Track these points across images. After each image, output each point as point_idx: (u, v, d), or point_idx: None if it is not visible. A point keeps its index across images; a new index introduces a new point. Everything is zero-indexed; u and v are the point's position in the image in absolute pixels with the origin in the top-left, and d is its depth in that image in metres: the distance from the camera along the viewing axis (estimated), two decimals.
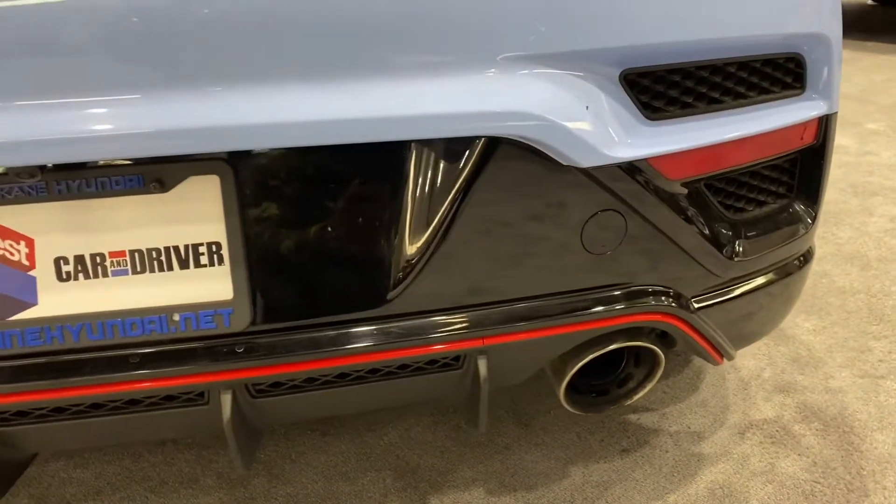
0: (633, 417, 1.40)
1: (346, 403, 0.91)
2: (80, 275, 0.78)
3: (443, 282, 0.83)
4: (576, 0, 0.76)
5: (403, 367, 0.88)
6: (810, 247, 1.12)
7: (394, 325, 0.83)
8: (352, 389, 0.88)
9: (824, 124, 1.01)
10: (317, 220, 0.80)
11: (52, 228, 0.77)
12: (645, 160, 0.83)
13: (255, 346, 0.81)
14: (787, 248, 1.04)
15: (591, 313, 0.88)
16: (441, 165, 0.79)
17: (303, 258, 0.80)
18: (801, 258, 1.09)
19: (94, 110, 0.70)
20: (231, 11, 0.70)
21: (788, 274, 1.07)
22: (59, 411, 0.84)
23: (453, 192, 0.80)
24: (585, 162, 0.79)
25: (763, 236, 1.00)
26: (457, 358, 0.88)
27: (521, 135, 0.76)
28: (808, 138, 1.00)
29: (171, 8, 0.69)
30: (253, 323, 0.80)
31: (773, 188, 1.01)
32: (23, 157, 0.70)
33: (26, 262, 0.77)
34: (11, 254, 0.77)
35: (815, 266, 1.98)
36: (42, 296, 0.78)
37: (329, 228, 0.80)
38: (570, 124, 0.77)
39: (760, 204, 1.01)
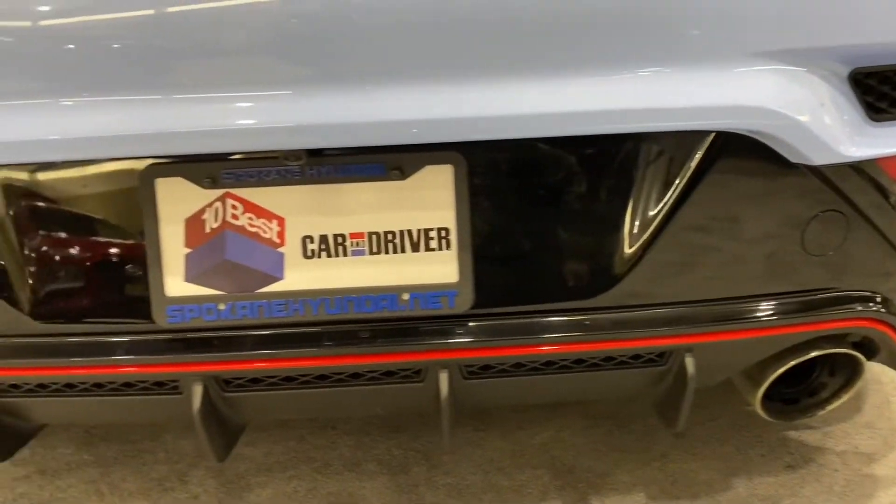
0: (793, 434, 1.38)
1: (548, 392, 0.94)
2: (323, 253, 0.84)
3: (659, 277, 0.85)
4: None
5: (608, 359, 0.90)
6: None
7: (607, 317, 0.86)
8: (556, 378, 0.91)
9: None
10: (541, 212, 0.84)
11: (301, 209, 0.83)
12: (873, 161, 0.83)
13: (475, 328, 0.85)
14: None
15: (803, 316, 0.88)
16: (669, 159, 0.81)
17: (526, 247, 0.84)
18: None
19: (354, 101, 0.76)
20: (479, 6, 0.74)
21: None
22: (287, 380, 0.90)
23: (678, 187, 0.82)
24: (818, 159, 0.80)
25: None
26: (661, 354, 0.90)
27: (757, 130, 0.78)
28: None
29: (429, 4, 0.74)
30: (475, 306, 0.84)
31: None
32: (294, 140, 0.77)
33: (277, 240, 0.84)
34: (264, 232, 0.83)
35: None
36: (288, 271, 0.84)
37: (552, 220, 0.84)
38: (805, 120, 0.78)
39: None
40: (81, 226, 0.84)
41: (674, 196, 0.82)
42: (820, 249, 0.86)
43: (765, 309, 0.88)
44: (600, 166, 0.82)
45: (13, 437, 0.98)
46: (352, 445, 1.42)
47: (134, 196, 0.82)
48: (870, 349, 0.98)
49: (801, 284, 0.88)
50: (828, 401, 1.02)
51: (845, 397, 1.01)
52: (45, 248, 0.85)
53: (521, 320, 0.85)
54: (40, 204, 0.84)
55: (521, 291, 0.85)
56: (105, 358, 0.85)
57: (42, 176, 0.83)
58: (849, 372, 1.00)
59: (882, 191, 0.85)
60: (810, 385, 1.04)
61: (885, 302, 0.92)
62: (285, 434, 1.45)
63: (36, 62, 0.76)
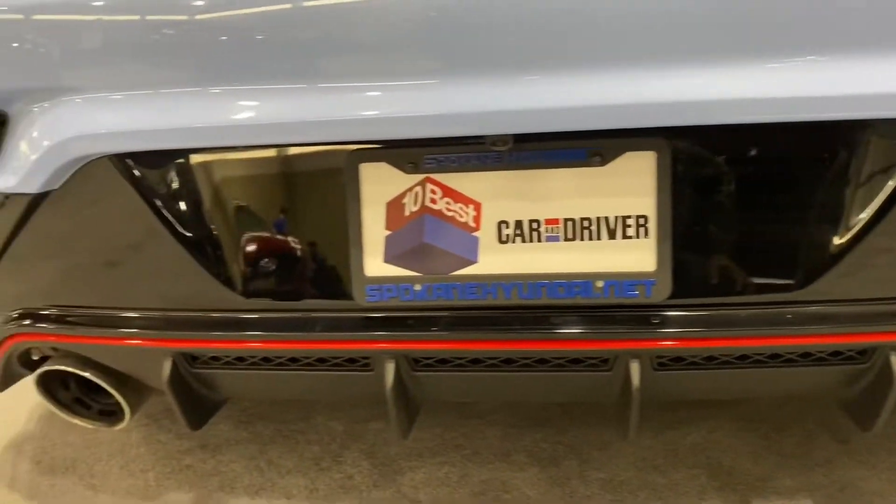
0: None
1: (737, 386, 0.92)
2: (518, 238, 0.85)
3: (870, 270, 0.82)
4: None
5: (805, 355, 0.87)
6: None
7: (810, 310, 0.83)
8: (748, 372, 0.89)
9: None
10: (746, 201, 0.82)
11: (498, 195, 0.84)
12: None
13: (671, 319, 0.84)
14: None
15: None
16: (891, 147, 0.78)
17: (728, 238, 0.83)
18: None
19: (560, 85, 0.77)
20: None
21: None
22: (474, 363, 0.91)
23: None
24: None
25: None
26: (863, 351, 0.86)
27: None
28: None
29: None
30: (672, 296, 0.83)
31: None
32: (499, 125, 0.78)
33: (473, 225, 0.85)
34: (461, 216, 0.85)
35: None
36: (482, 255, 0.85)
37: (757, 210, 0.82)
38: None
39: None
40: (287, 207, 0.88)
41: (892, 187, 0.78)
42: None
43: None
44: (813, 154, 0.79)
45: (205, 409, 1.04)
46: (499, 436, 1.43)
47: (338, 180, 0.86)
48: None
49: None
50: None
51: None
52: (252, 229, 0.89)
53: (719, 312, 0.84)
54: (251, 186, 0.88)
55: (720, 283, 0.84)
56: (305, 333, 0.89)
57: (254, 160, 0.88)
58: None
59: None
60: None
61: None
62: (431, 421, 1.48)
63: (260, 49, 0.80)
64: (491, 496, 1.27)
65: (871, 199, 0.79)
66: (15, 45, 0.85)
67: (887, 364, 0.85)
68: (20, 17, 0.84)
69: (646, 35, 0.75)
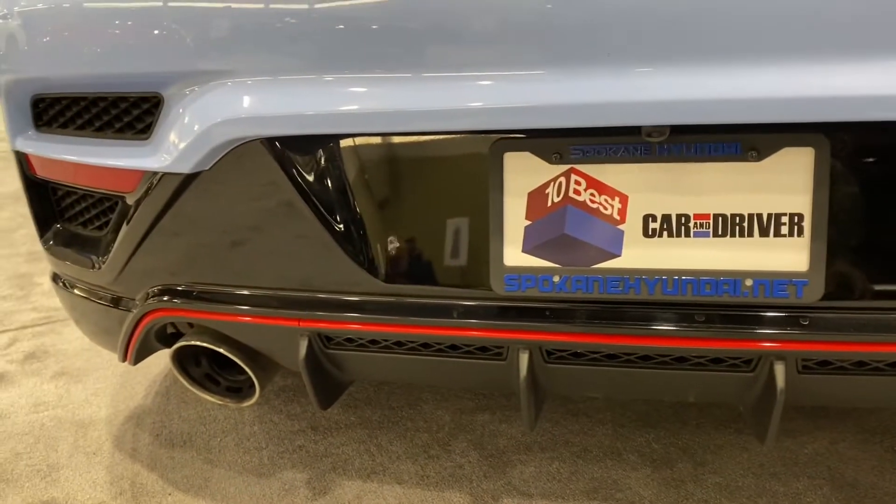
0: None
1: (883, 395, 0.88)
2: (665, 233, 0.83)
3: None
4: None
5: None
6: None
7: None
8: (876, 381, 0.85)
9: None
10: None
11: (646, 187, 0.83)
12: None
13: (822, 321, 0.81)
14: None
15: None
16: None
17: (886, 240, 0.79)
18: None
19: (717, 77, 0.75)
20: None
21: None
22: (610, 357, 0.90)
23: None
24: None
25: None
26: None
27: None
28: None
29: None
30: (825, 297, 0.80)
31: None
32: (653, 116, 0.77)
33: (617, 217, 0.84)
34: (605, 208, 0.84)
35: None
36: (626, 249, 0.84)
37: None
38: None
39: None
40: (429, 194, 0.89)
41: None
42: None
43: None
44: None
45: (335, 389, 1.07)
46: (609, 434, 1.41)
47: (481, 168, 0.86)
48: None
49: None
50: None
51: None
52: (394, 214, 0.91)
53: (873, 316, 0.80)
54: (394, 172, 0.90)
55: (875, 287, 0.80)
56: (442, 320, 0.90)
57: (399, 145, 0.89)
58: None
59: None
60: None
61: None
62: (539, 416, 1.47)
63: (408, 38, 0.81)
64: (603, 494, 1.25)
65: None
66: (168, 30, 0.89)
67: None
68: (175, 3, 0.88)
69: (805, 28, 0.73)
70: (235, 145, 0.90)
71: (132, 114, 1.00)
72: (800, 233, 0.80)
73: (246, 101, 0.87)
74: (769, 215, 0.81)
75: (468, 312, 0.89)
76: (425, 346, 0.96)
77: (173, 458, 1.44)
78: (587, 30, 0.76)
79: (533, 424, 0.96)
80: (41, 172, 1.17)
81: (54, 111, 1.09)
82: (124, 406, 1.64)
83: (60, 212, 1.22)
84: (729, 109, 0.75)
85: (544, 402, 1.01)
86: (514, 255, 0.87)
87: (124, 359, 1.16)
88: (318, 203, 0.91)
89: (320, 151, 0.90)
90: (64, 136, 1.09)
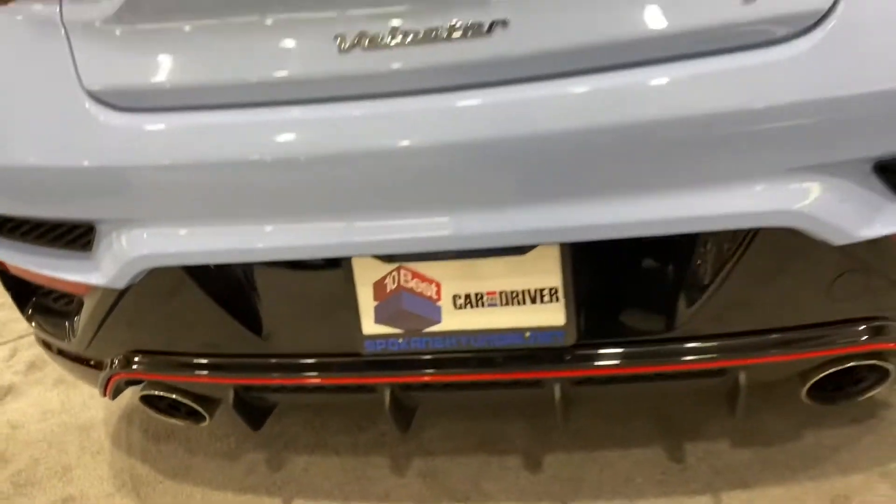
0: None
1: (631, 394, 1.27)
2: (468, 305, 1.19)
3: (716, 323, 1.14)
4: (848, 122, 0.99)
5: (677, 375, 1.21)
6: None
7: (674, 346, 1.17)
8: (637, 386, 1.24)
9: None
10: (626, 276, 1.14)
11: (452, 276, 1.18)
12: (889, 236, 1.06)
13: (578, 356, 1.19)
14: None
15: (834, 344, 1.15)
16: (726, 240, 1.08)
17: (613, 301, 1.15)
18: None
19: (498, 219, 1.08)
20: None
21: None
22: (446, 385, 1.28)
23: (731, 259, 1.09)
24: (837, 242, 1.04)
25: None
26: (723, 371, 1.20)
27: (790, 226, 1.03)
28: None
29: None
30: (578, 340, 1.17)
31: None
32: (455, 244, 1.10)
33: (436, 297, 1.19)
34: (427, 291, 1.19)
35: None
36: (444, 317, 1.20)
37: (635, 283, 1.14)
38: (827, 216, 1.02)
39: None
40: (308, 289, 1.23)
41: (731, 265, 1.08)
42: (843, 297, 1.11)
43: (803, 340, 1.15)
44: (675, 248, 1.10)
45: (262, 414, 1.45)
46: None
47: (341, 270, 1.19)
48: None
49: (831, 318, 1.14)
50: (869, 389, 1.28)
51: (880, 389, 1.26)
52: (284, 304, 1.25)
53: (611, 350, 1.18)
54: (279, 274, 1.23)
55: (611, 331, 1.17)
56: (329, 373, 1.27)
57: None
58: (881, 372, 1.24)
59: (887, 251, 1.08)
60: (854, 376, 1.29)
61: None
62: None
63: (265, 199, 1.12)
64: (490, 448, 1.67)
65: (713, 277, 1.10)
66: (91, 187, 1.17)
67: (738, 378, 1.19)
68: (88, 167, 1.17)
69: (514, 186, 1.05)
70: (157, 267, 1.22)
71: (75, 233, 1.31)
72: (557, 300, 1.16)
73: (160, 240, 1.19)
74: (535, 289, 1.16)
75: (346, 367, 1.26)
76: (320, 388, 1.33)
77: (161, 451, 1.84)
78: (405, 191, 1.08)
79: (406, 430, 1.35)
80: (10, 268, 1.49)
81: (10, 225, 1.38)
82: (116, 406, 2.02)
83: (34, 290, 1.54)
84: (496, 240, 1.09)
85: (413, 413, 1.40)
86: (370, 326, 1.22)
87: (104, 396, 1.52)
88: (225, 301, 1.25)
89: (223, 268, 1.23)
90: (22, 245, 1.39)
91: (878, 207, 1.06)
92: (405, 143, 1.04)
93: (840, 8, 0.98)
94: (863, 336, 1.15)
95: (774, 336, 1.16)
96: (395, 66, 1.04)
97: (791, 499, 1.45)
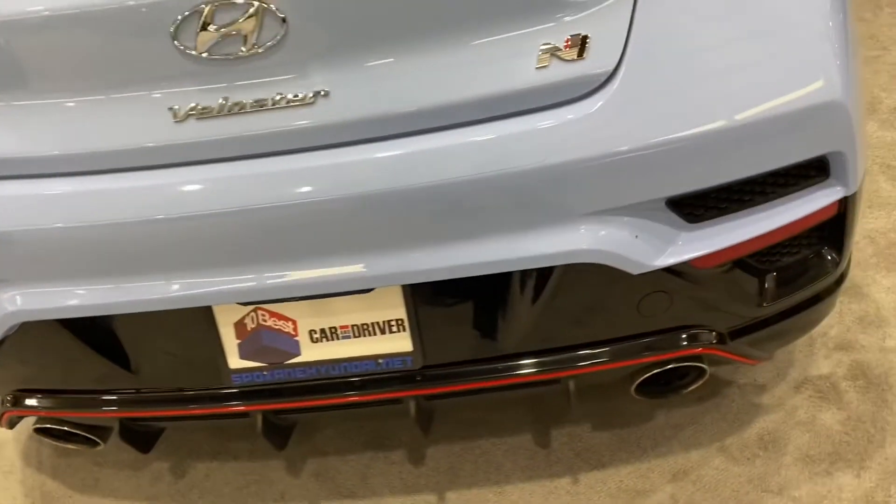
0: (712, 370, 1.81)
1: (479, 401, 1.41)
2: (324, 339, 1.30)
3: (543, 341, 1.28)
4: (635, 172, 1.12)
5: (520, 384, 1.36)
6: (843, 272, 1.43)
7: (508, 363, 1.31)
8: (478, 396, 1.38)
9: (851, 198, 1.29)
10: (462, 307, 1.26)
11: (307, 314, 1.29)
12: (684, 262, 1.20)
13: (427, 376, 1.32)
14: (816, 285, 1.36)
15: (646, 353, 1.30)
16: (543, 273, 1.21)
17: (454, 327, 1.28)
18: (835, 283, 1.41)
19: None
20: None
21: (820, 300, 1.40)
22: (312, 408, 1.40)
23: (549, 288, 1.22)
24: (635, 272, 1.18)
25: (790, 283, 1.34)
26: (557, 380, 1.35)
27: (590, 261, 1.16)
28: (833, 211, 1.29)
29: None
30: (425, 363, 1.30)
31: (796, 248, 1.33)
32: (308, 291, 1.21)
33: (293, 332, 1.30)
34: (285, 328, 1.30)
35: None
36: (303, 350, 1.31)
37: (470, 312, 1.27)
38: (623, 251, 1.16)
39: (787, 260, 1.34)
40: (180, 332, 1.31)
41: (549, 292, 1.22)
42: (652, 314, 1.26)
43: (622, 350, 1.30)
44: (503, 281, 1.21)
45: (151, 438, 1.55)
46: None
47: (202, 313, 1.29)
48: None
49: (644, 330, 1.29)
50: (691, 384, 1.44)
51: (701, 382, 1.43)
52: (156, 344, 1.34)
53: (453, 370, 1.32)
54: (150, 320, 1.30)
55: (454, 353, 1.31)
56: (203, 404, 1.38)
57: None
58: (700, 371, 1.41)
59: (694, 276, 1.23)
60: (678, 372, 1.45)
61: (713, 334, 1.32)
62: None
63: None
64: (377, 444, 1.80)
65: (536, 299, 1.24)
66: None
67: (568, 386, 1.34)
68: None
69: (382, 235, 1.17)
70: (28, 320, 1.30)
71: None
72: (403, 329, 1.28)
73: (28, 297, 1.26)
74: (383, 321, 1.28)
75: (217, 398, 1.37)
76: (197, 417, 1.44)
77: (70, 465, 1.93)
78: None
79: (282, 448, 1.48)
80: None
81: None
82: (26, 425, 2.09)
83: None
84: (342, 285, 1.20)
85: (290, 431, 1.52)
86: (235, 361, 1.33)
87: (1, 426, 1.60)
88: (99, 346, 1.33)
89: (93, 318, 1.31)
90: None
91: (670, 239, 1.20)
92: (240, 204, 1.14)
93: (622, 72, 1.10)
94: (674, 344, 1.31)
95: (595, 349, 1.31)
96: (226, 134, 1.13)
97: (638, 476, 1.63)
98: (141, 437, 1.51)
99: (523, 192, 1.12)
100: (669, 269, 1.21)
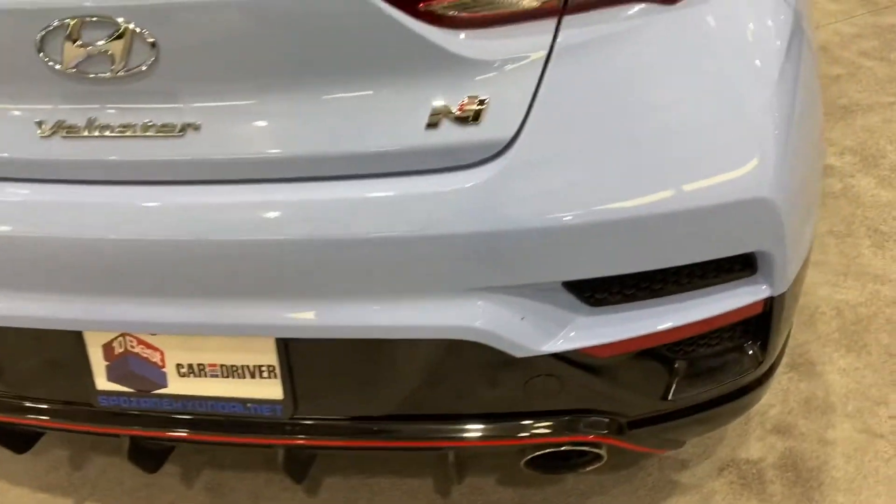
0: None
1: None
2: (192, 374, 1.22)
3: (418, 408, 1.19)
4: (525, 252, 1.01)
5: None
6: (771, 367, 1.31)
7: (384, 427, 1.22)
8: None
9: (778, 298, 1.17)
10: (336, 365, 1.18)
11: (174, 347, 1.20)
12: (576, 350, 1.10)
13: (296, 427, 1.24)
14: (733, 382, 1.25)
15: (530, 435, 1.20)
16: (418, 345, 1.12)
17: (328, 383, 1.20)
18: (757, 381, 1.30)
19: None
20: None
21: (739, 397, 1.29)
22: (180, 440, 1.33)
23: (427, 358, 1.13)
24: (518, 355, 1.08)
25: (704, 377, 1.23)
26: (437, 448, 1.26)
27: (468, 339, 1.07)
28: (759, 309, 1.18)
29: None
30: (295, 414, 1.22)
31: (715, 342, 1.22)
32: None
33: (161, 363, 1.22)
34: (152, 357, 1.22)
35: (885, 292, 2.04)
36: (170, 382, 1.23)
37: (345, 369, 1.18)
38: (504, 333, 1.06)
39: (703, 352, 1.23)
40: (53, 349, 1.25)
41: (425, 361, 1.13)
42: (544, 397, 1.16)
43: (500, 429, 1.20)
44: (383, 344, 1.13)
45: (29, 440, 1.49)
46: None
47: (73, 335, 1.21)
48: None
49: (542, 409, 1.19)
50: (589, 464, 1.34)
51: (598, 466, 1.33)
52: (31, 363, 1.28)
53: (321, 423, 1.23)
54: (26, 338, 1.24)
55: (325, 406, 1.22)
56: (71, 420, 1.32)
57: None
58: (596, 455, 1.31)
59: (587, 365, 1.13)
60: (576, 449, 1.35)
61: (610, 423, 1.22)
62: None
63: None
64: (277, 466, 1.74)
65: (413, 367, 1.14)
66: None
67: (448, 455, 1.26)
68: None
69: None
70: None
71: None
72: (274, 376, 1.20)
73: None
74: (254, 366, 1.20)
75: (85, 416, 1.30)
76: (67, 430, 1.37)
77: None
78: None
79: (152, 472, 1.41)
80: None
81: None
82: None
83: None
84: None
85: (166, 456, 1.45)
86: (102, 382, 1.25)
87: None
88: None
89: None
90: None
91: (565, 323, 1.10)
92: (98, 233, 1.05)
93: (520, 141, 0.99)
94: (564, 429, 1.21)
95: (476, 424, 1.21)
96: (91, 155, 1.04)
97: None
98: (19, 438, 1.46)
99: (397, 258, 1.02)
100: (559, 356, 1.11)
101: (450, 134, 0.99)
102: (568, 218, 1.00)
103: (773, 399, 1.77)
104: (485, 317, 1.05)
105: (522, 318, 1.07)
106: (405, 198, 1.00)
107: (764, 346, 1.24)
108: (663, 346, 1.18)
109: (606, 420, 1.22)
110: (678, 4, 1.01)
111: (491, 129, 0.99)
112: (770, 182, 1.03)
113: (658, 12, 1.01)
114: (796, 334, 1.93)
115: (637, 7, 1.00)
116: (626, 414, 1.24)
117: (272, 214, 1.02)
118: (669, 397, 1.22)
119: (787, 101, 1.07)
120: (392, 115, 0.99)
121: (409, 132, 0.99)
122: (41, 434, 1.54)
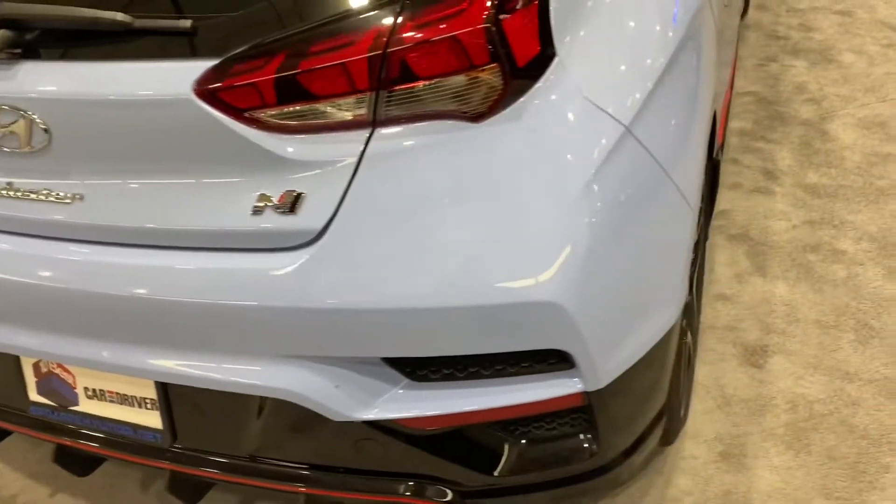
0: None
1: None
2: (96, 397, 1.44)
3: (270, 453, 1.34)
4: (329, 329, 1.15)
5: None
6: (620, 456, 1.36)
7: (249, 464, 1.38)
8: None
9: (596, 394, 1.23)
10: (204, 404, 1.35)
11: (82, 373, 1.42)
12: (389, 420, 1.21)
13: (174, 455, 1.42)
14: (566, 469, 1.31)
15: (370, 491, 1.32)
16: (261, 401, 1.27)
17: (194, 416, 1.37)
18: (598, 471, 1.35)
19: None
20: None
21: (581, 482, 1.35)
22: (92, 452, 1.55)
23: (266, 410, 1.28)
24: (335, 419, 1.21)
25: (534, 459, 1.30)
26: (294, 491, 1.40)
27: (287, 399, 1.21)
28: (579, 401, 1.24)
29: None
30: (172, 444, 1.40)
31: (548, 426, 1.29)
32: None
33: (73, 384, 1.44)
34: (68, 379, 1.45)
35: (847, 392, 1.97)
36: (81, 401, 1.45)
37: (211, 409, 1.35)
38: (318, 397, 1.20)
39: (533, 435, 1.30)
40: None
41: (267, 412, 1.28)
42: (375, 455, 1.27)
43: (340, 480, 1.33)
44: (233, 396, 1.28)
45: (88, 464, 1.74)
46: None
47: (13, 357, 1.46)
48: None
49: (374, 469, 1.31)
50: None
51: None
52: None
53: (200, 457, 1.40)
54: None
55: (200, 438, 1.39)
56: (13, 424, 1.56)
57: None
58: None
59: (407, 436, 1.24)
60: None
61: (441, 491, 1.31)
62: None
63: None
64: None
65: (259, 416, 1.30)
66: None
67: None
68: None
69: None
70: None
71: None
72: (155, 408, 1.39)
73: None
74: (140, 397, 1.39)
75: (22, 421, 1.54)
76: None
77: None
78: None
79: (83, 475, 1.64)
80: None
81: None
82: None
83: None
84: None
85: (98, 463, 1.67)
86: (34, 394, 1.49)
87: None
88: None
89: None
90: None
91: (381, 394, 1.22)
92: (8, 275, 1.29)
93: (330, 232, 1.13)
94: (399, 489, 1.32)
95: (321, 473, 1.34)
96: (7, 211, 1.28)
97: None
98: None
99: (224, 322, 1.18)
100: (374, 424, 1.22)
101: (271, 220, 1.14)
102: (365, 303, 1.12)
103: (693, 486, 1.77)
104: (298, 381, 1.20)
105: (336, 386, 1.20)
106: (233, 271, 1.17)
107: (595, 438, 1.29)
108: (487, 424, 1.27)
109: (444, 489, 1.31)
110: (485, 122, 1.12)
111: (305, 220, 1.14)
112: (559, 288, 1.11)
113: (464, 129, 1.12)
114: (740, 423, 1.91)
115: (446, 123, 1.12)
116: (463, 484, 1.33)
117: (127, 275, 1.22)
118: (496, 473, 1.29)
119: (591, 217, 1.14)
120: (225, 200, 1.16)
121: (237, 216, 1.16)
122: (102, 459, 1.79)
